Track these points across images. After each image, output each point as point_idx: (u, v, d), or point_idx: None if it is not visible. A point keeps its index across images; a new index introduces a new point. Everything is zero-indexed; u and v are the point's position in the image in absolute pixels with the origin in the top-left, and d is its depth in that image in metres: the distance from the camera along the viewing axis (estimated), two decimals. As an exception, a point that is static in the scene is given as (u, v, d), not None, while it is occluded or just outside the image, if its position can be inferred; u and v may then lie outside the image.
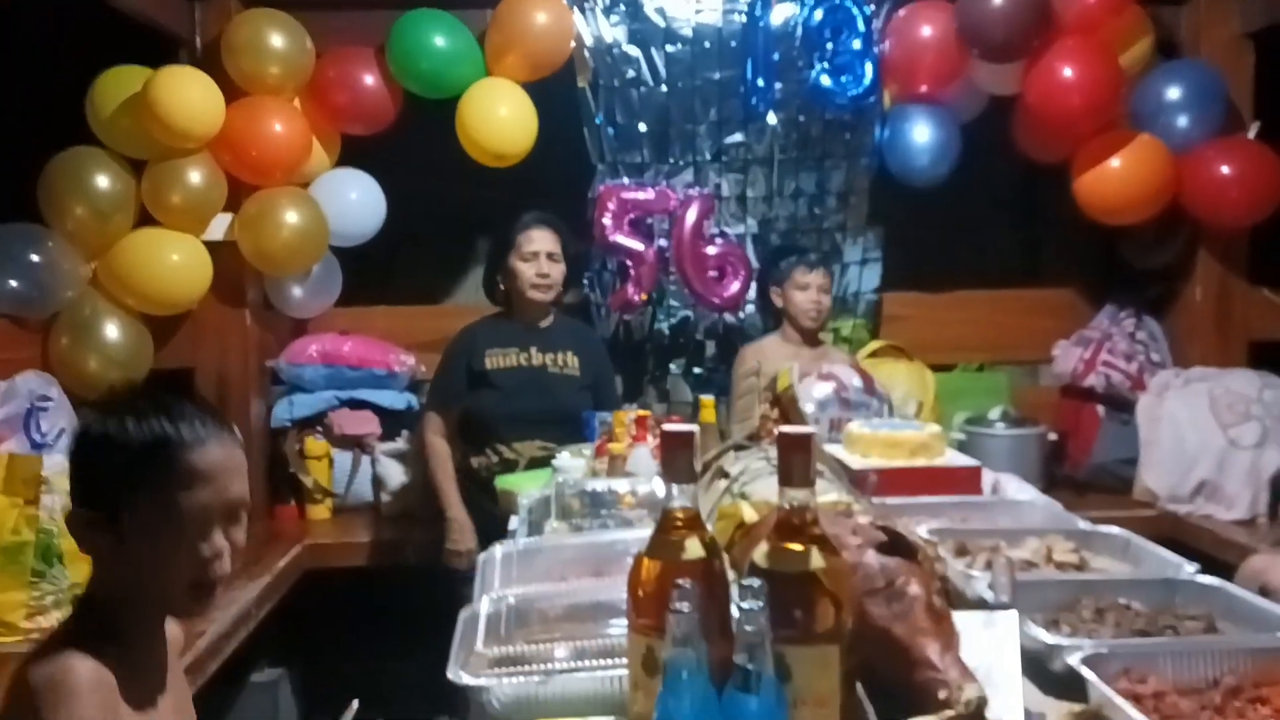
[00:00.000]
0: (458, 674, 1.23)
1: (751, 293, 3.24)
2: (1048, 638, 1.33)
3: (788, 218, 3.32)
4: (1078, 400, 3.38)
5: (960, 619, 1.33)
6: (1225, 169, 3.02)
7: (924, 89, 3.16)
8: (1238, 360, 3.29)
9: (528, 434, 2.70)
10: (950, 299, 3.67)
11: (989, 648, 1.27)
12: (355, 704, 1.19)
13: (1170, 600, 1.53)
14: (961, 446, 3.31)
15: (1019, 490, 2.20)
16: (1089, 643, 1.31)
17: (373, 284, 3.54)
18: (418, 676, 2.08)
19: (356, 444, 3.31)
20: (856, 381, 2.53)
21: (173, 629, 1.30)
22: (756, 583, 1.01)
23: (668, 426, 1.14)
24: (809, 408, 2.44)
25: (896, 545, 1.27)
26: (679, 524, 1.13)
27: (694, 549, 1.11)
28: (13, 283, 2.72)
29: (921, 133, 3.14)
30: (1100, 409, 3.32)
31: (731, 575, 1.17)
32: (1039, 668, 1.33)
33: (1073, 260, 3.74)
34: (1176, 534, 3.02)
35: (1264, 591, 2.22)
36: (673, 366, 3.37)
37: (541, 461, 2.60)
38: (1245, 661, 1.29)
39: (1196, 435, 3.03)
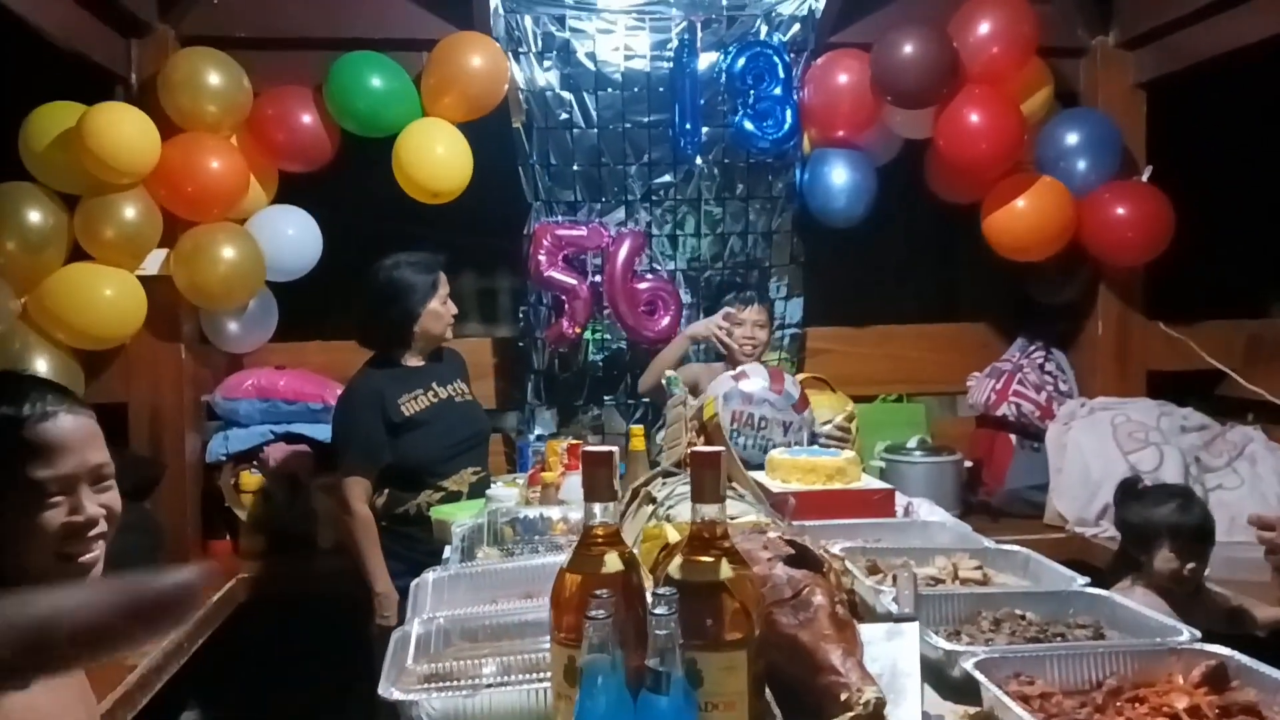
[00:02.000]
0: (389, 690, 1.28)
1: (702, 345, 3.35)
2: (946, 645, 1.43)
3: (715, 255, 3.45)
4: (991, 429, 3.55)
5: (866, 630, 1.43)
6: (1121, 210, 3.23)
7: (841, 133, 3.33)
8: (1137, 390, 3.49)
9: (461, 464, 2.72)
10: (871, 333, 3.83)
11: (892, 656, 1.37)
12: None
13: (1063, 611, 1.64)
14: (881, 474, 3.45)
15: (930, 513, 2.32)
16: (983, 649, 1.41)
17: (310, 319, 3.57)
18: (352, 705, 2.11)
19: (291, 478, 3.32)
20: (763, 380, 2.64)
21: None
22: (669, 591, 1.09)
23: (588, 448, 1.22)
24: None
25: (803, 558, 1.36)
26: (599, 539, 1.21)
27: (613, 563, 1.19)
28: (-61, 317, 2.70)
29: (839, 175, 3.30)
30: (1013, 438, 3.49)
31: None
32: (939, 674, 1.43)
33: (986, 297, 3.93)
34: (1084, 555, 3.18)
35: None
36: (607, 399, 3.45)
37: (478, 487, 2.66)
38: (1126, 664, 1.40)
39: (1100, 462, 3.20)
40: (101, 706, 2.00)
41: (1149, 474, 3.12)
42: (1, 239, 2.82)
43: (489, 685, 1.29)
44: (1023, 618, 1.58)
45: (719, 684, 1.13)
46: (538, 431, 3.40)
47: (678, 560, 1.18)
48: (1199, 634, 1.43)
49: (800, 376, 3.55)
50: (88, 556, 1.21)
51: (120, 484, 2.97)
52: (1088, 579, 1.72)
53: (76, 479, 1.20)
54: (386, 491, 2.70)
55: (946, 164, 3.25)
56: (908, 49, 3.00)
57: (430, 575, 1.77)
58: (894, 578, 1.69)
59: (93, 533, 1.20)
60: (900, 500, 2.36)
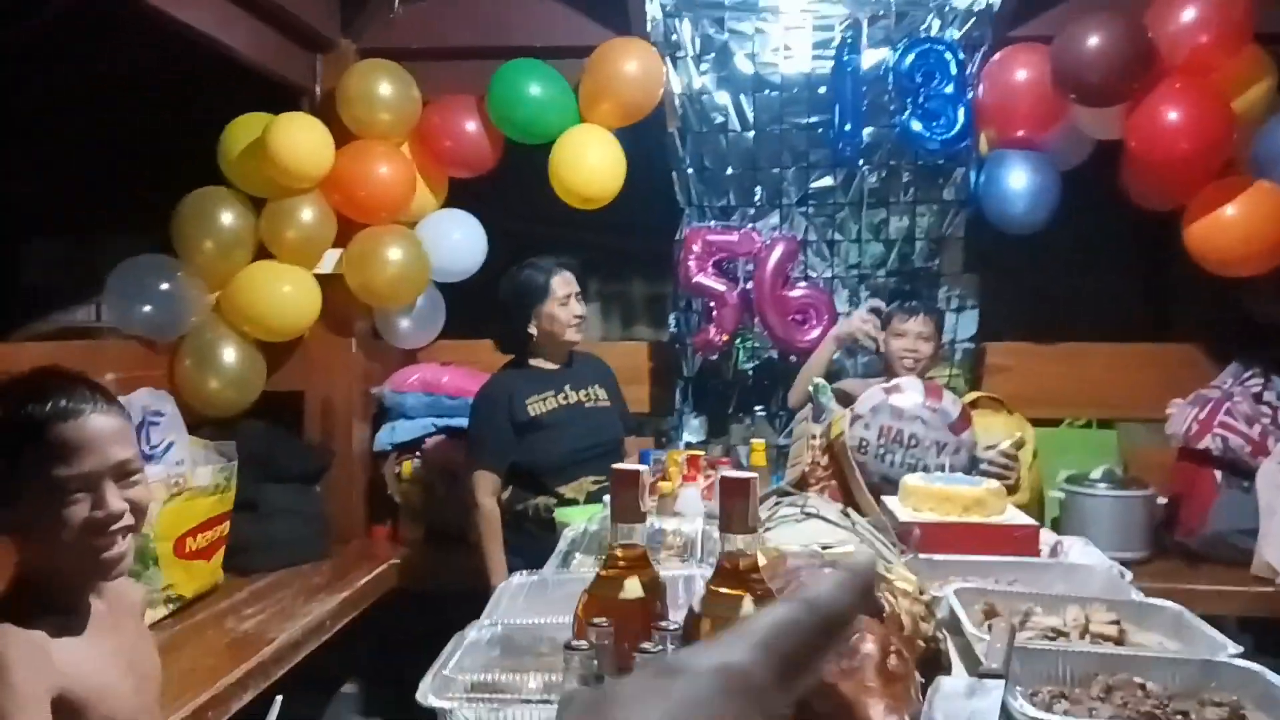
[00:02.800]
0: (426, 696, 1.27)
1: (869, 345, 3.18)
2: (1032, 711, 1.26)
3: (877, 262, 3.27)
4: (1194, 464, 3.15)
5: (949, 683, 1.29)
6: (1357, 219, 2.78)
7: (1021, 134, 3.06)
8: (1376, 427, 3.00)
9: (579, 472, 2.68)
10: (1059, 350, 3.51)
11: (968, 715, 1.22)
12: (279, 699, 1.25)
13: (1203, 684, 1.41)
14: (1061, 506, 3.16)
15: (1083, 554, 2.08)
16: (1071, 720, 1.23)
17: (477, 318, 3.69)
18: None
19: (449, 470, 3.44)
20: (918, 394, 2.43)
21: (129, 590, 1.43)
22: (672, 626, 1.02)
23: (616, 466, 1.16)
24: (862, 414, 2.39)
25: (862, 601, 1.24)
26: (621, 563, 1.15)
27: (632, 589, 1.13)
28: (145, 308, 2.98)
29: (1018, 178, 3.04)
30: (1218, 474, 3.09)
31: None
32: (1025, 743, 1.26)
33: (1201, 316, 3.51)
34: (1294, 614, 2.78)
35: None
36: (758, 409, 3.36)
37: (597, 495, 2.61)
38: (1257, 755, 1.19)
39: (1322, 508, 2.77)
40: (234, 675, 2.15)
41: (1380, 526, 2.68)
42: (199, 239, 3.10)
43: (517, 700, 1.26)
44: (1142, 687, 1.37)
45: (733, 730, 1.04)
46: (686, 439, 3.35)
47: (698, 593, 1.10)
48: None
49: (970, 396, 3.32)
50: (112, 551, 1.26)
51: (294, 469, 3.20)
52: (1240, 648, 1.47)
53: (99, 476, 1.24)
54: (510, 488, 2.73)
55: (1141, 166, 2.92)
56: (1091, 40, 2.72)
57: (516, 579, 1.77)
58: (989, 627, 1.52)
59: (116, 527, 1.25)
60: (1048, 538, 2.13)
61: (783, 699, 0.36)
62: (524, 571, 1.81)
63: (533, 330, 2.75)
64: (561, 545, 2.08)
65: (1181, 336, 3.52)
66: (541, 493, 2.69)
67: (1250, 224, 2.83)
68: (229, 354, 3.13)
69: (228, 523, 2.72)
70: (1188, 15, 2.74)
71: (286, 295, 3.15)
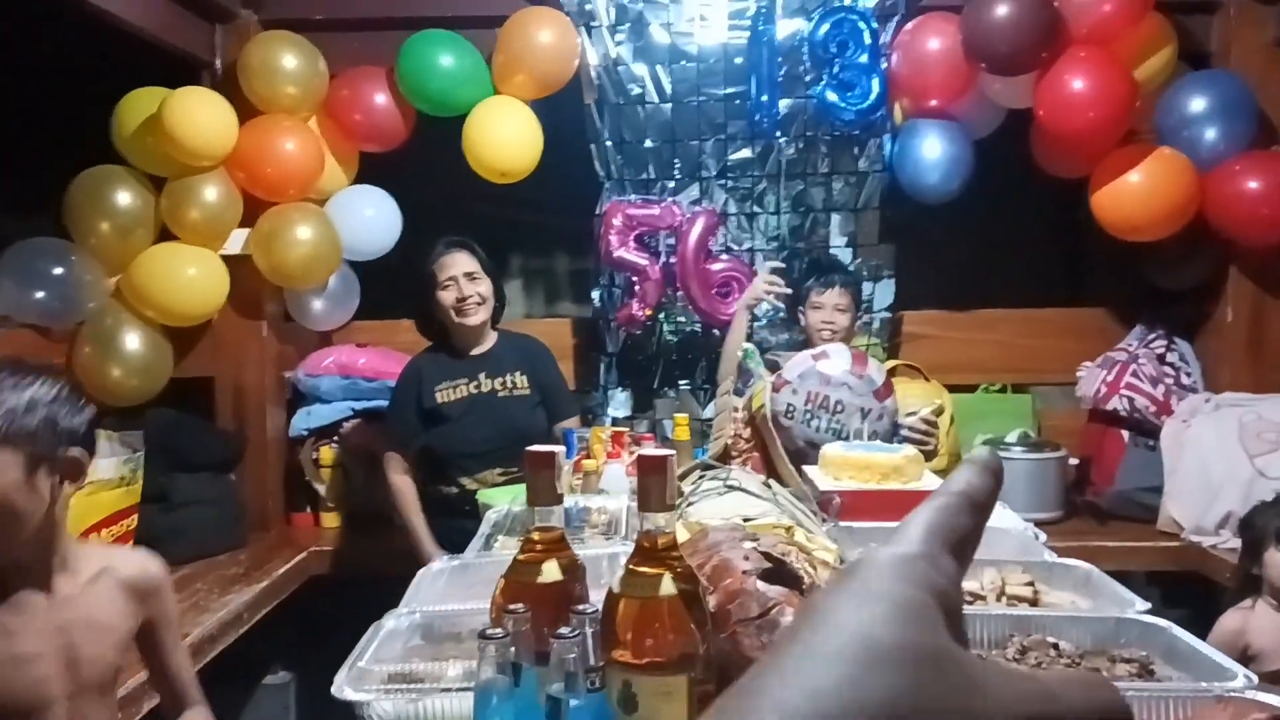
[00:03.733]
0: (341, 689, 1.24)
1: (761, 309, 3.19)
2: (949, 674, 1.27)
3: (794, 234, 3.28)
4: (1102, 425, 3.26)
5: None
6: (1255, 183, 2.88)
7: (934, 103, 3.09)
8: (1272, 384, 3.12)
9: (486, 463, 2.67)
10: (973, 318, 3.58)
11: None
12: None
13: (1112, 640, 1.45)
14: (978, 469, 3.23)
15: (998, 517, 2.12)
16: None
17: (394, 298, 3.61)
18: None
19: (368, 454, 3.37)
20: (845, 361, 2.45)
21: (121, 566, 1.55)
22: (589, 609, 1.00)
23: (530, 449, 1.13)
24: (790, 380, 2.40)
25: (782, 574, 1.24)
26: (538, 546, 1.13)
27: (550, 572, 1.11)
28: (39, 294, 2.84)
29: (932, 148, 3.07)
30: (1125, 434, 3.19)
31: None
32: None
33: (1108, 281, 3.60)
34: (1200, 567, 2.89)
35: (1245, 657, 2.12)
36: (682, 383, 3.35)
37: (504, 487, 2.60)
38: (1161, 712, 1.22)
39: (1223, 464, 2.89)
40: (146, 673, 2.06)
41: (1277, 479, 2.80)
42: (95, 220, 2.95)
43: (442, 689, 1.23)
44: (1054, 646, 1.40)
45: (655, 710, 1.03)
46: (611, 414, 3.33)
47: (618, 573, 1.08)
48: (1255, 679, 1.23)
49: (890, 364, 3.37)
50: None
51: (206, 457, 3.10)
52: (1148, 605, 1.52)
53: None
54: (424, 472, 2.74)
55: (1049, 135, 2.97)
56: (1000, 10, 2.75)
57: (436, 564, 1.73)
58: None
59: None
60: (964, 502, 2.16)
61: (959, 583, 0.37)
62: (445, 556, 1.78)
63: (440, 316, 2.75)
64: (484, 528, 2.05)
65: (1093, 302, 3.62)
66: (446, 483, 2.71)
67: (1153, 189, 2.91)
68: (132, 340, 3.00)
69: (135, 515, 2.62)
70: (1092, -15, 2.79)
71: (192, 278, 3.03)
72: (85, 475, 1.52)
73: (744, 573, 1.23)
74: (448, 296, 2.69)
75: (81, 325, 2.96)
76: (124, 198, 2.96)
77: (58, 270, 2.85)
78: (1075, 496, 3.25)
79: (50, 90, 3.36)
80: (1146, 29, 2.89)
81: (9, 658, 1.42)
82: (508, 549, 1.88)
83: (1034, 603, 1.64)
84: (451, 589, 1.63)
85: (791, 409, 2.40)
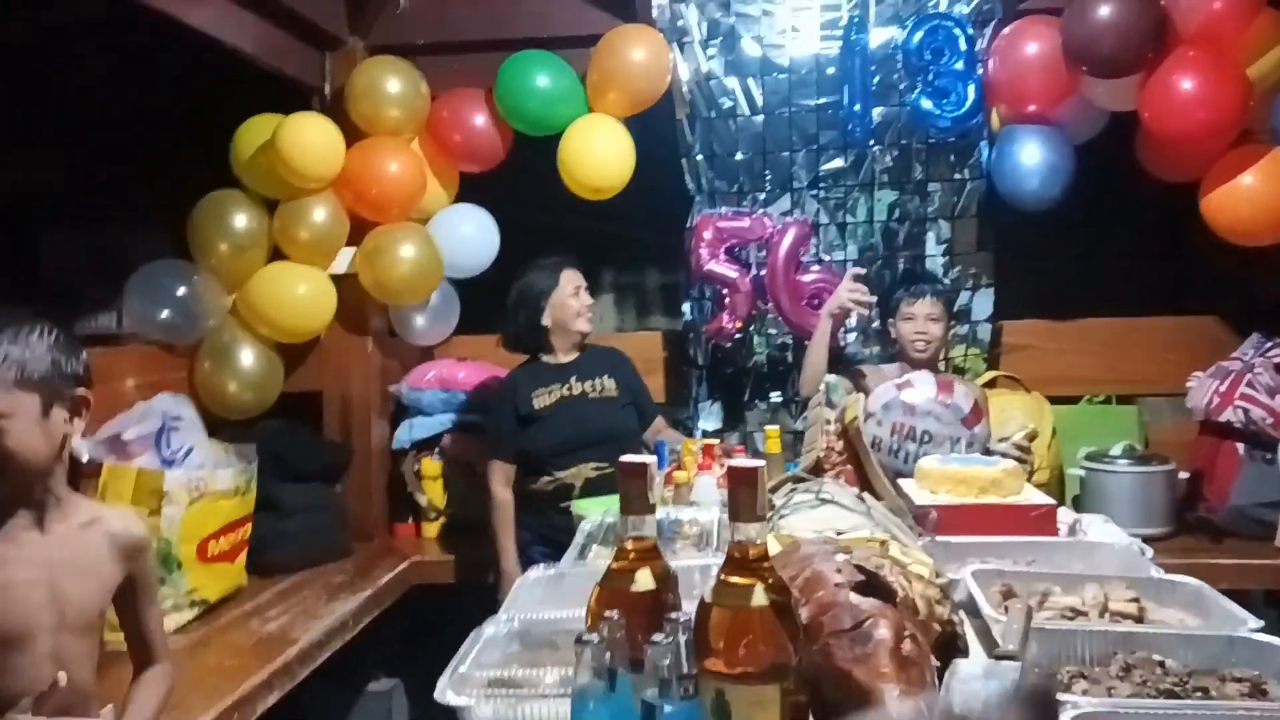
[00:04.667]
0: (444, 693, 1.28)
1: (852, 320, 3.16)
2: (1049, 692, 1.25)
3: (889, 244, 3.25)
4: (1216, 437, 3.11)
5: (966, 666, 1.28)
6: (1379, 185, 2.73)
7: (1033, 109, 3.03)
8: (1403, 395, 2.95)
9: (580, 458, 2.81)
10: (1076, 327, 3.48)
11: (985, 698, 1.22)
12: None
13: (1223, 660, 1.40)
14: (1081, 484, 3.14)
15: (1101, 532, 2.06)
16: (1091, 702, 1.22)
17: (493, 313, 3.69)
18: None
19: (468, 465, 3.46)
20: (929, 389, 2.42)
21: (115, 522, 1.65)
22: (683, 617, 1.02)
23: (624, 459, 1.16)
24: (874, 411, 2.38)
25: (874, 586, 1.24)
26: (631, 555, 1.15)
27: (644, 581, 1.13)
28: (164, 313, 3.01)
29: (1031, 154, 3.01)
30: (1240, 447, 3.05)
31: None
32: (1045, 724, 1.25)
33: (1219, 288, 3.46)
34: (1321, 587, 2.75)
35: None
36: (773, 395, 3.35)
37: (597, 482, 2.72)
38: (1277, 732, 1.18)
39: (1349, 478, 2.73)
40: (259, 677, 2.17)
41: None
42: (214, 241, 3.12)
43: (534, 695, 1.27)
44: (1161, 665, 1.36)
45: (747, 719, 1.05)
46: (702, 427, 3.35)
47: (712, 583, 1.10)
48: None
49: (988, 375, 3.30)
50: None
51: (314, 468, 3.24)
52: (1261, 623, 1.46)
53: None
54: (517, 476, 2.91)
55: (1155, 139, 2.88)
56: (1103, 10, 2.68)
57: (534, 573, 1.78)
58: (1005, 608, 1.51)
59: None
60: (1066, 517, 2.11)
61: None
62: (542, 565, 1.82)
63: (546, 323, 2.90)
64: (578, 538, 2.09)
65: (1200, 310, 3.48)
66: (541, 477, 2.86)
67: (1269, 192, 2.79)
68: (247, 356, 3.16)
69: (249, 525, 2.74)
70: (1200, -17, 2.70)
71: (302, 296, 3.17)
72: (89, 411, 1.62)
73: (836, 585, 1.23)
74: (575, 303, 2.91)
75: (201, 342, 3.13)
76: (241, 220, 3.13)
77: (181, 290, 3.02)
78: (1186, 512, 3.12)
79: (173, 117, 3.56)
80: (1260, 27, 2.78)
81: (2, 583, 1.51)
82: (601, 558, 1.91)
83: (1139, 620, 1.59)
84: (548, 596, 1.67)
85: (878, 441, 2.38)
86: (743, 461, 1.10)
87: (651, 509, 1.16)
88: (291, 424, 3.23)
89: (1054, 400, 3.28)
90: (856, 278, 2.87)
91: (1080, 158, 3.09)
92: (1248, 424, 3.00)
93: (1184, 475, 3.09)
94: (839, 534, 1.67)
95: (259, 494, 2.82)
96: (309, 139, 3.00)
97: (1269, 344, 3.17)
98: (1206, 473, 3.13)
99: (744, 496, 1.08)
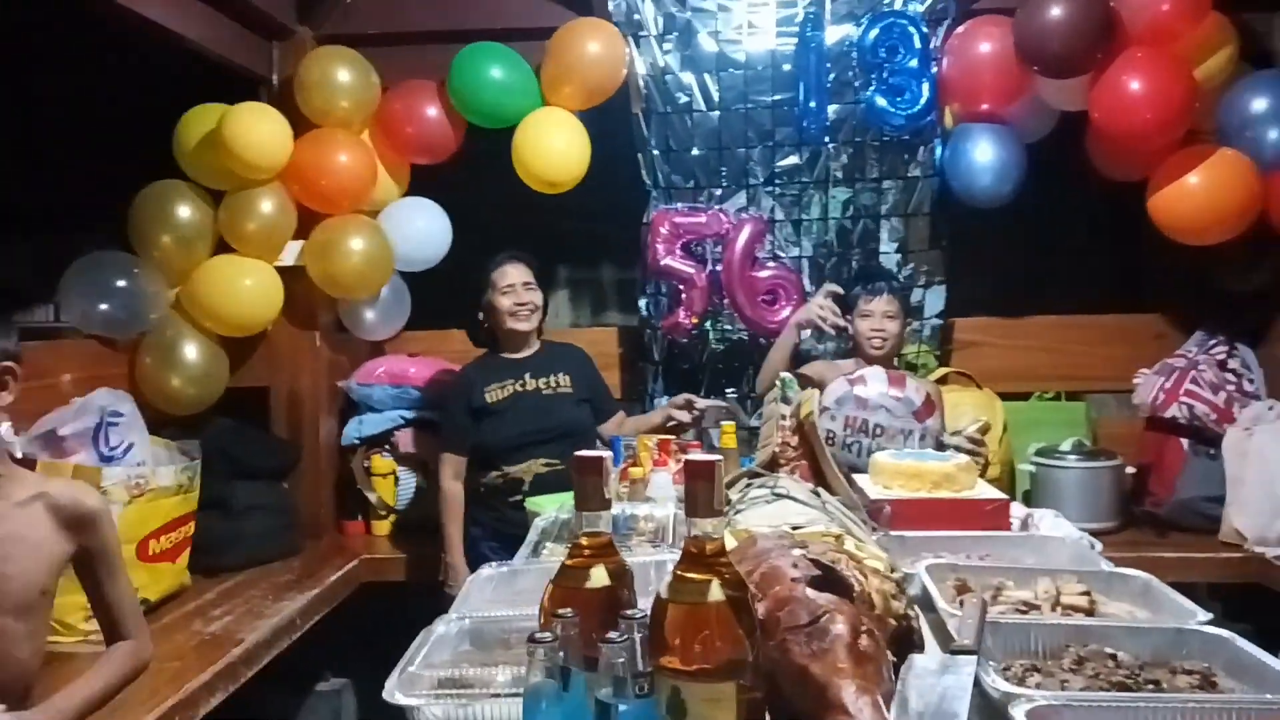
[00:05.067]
0: (392, 693, 1.25)
1: (813, 331, 3.15)
2: (1003, 686, 1.25)
3: (843, 241, 3.26)
4: (1161, 433, 3.18)
5: (921, 660, 1.28)
6: (1320, 186, 2.80)
7: (986, 107, 3.06)
8: (1341, 393, 3.03)
9: (530, 453, 2.80)
10: (1026, 324, 3.53)
11: (941, 692, 1.21)
12: None
13: (1174, 652, 1.41)
14: (1032, 479, 3.18)
15: (1053, 527, 2.08)
16: (1044, 695, 1.22)
17: (445, 307, 3.65)
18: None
19: (420, 463, 3.41)
20: (881, 384, 2.45)
21: (57, 492, 1.62)
22: (637, 614, 1.00)
23: (579, 453, 1.14)
24: (828, 405, 2.38)
25: (831, 581, 1.23)
26: (586, 551, 1.13)
27: (598, 577, 1.11)
28: (103, 306, 2.91)
29: (984, 152, 3.04)
30: (1185, 443, 3.11)
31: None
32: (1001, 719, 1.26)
33: (1169, 284, 3.52)
34: (1264, 579, 2.81)
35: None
36: (729, 391, 3.34)
37: (548, 478, 2.70)
38: (1224, 722, 1.19)
39: (1288, 473, 2.80)
40: (202, 678, 2.12)
41: (1347, 490, 2.71)
42: (157, 232, 3.03)
43: (491, 695, 1.24)
44: (1113, 657, 1.37)
45: (704, 717, 1.03)
46: (658, 423, 3.33)
47: (666, 578, 1.08)
48: (1325, 694, 1.19)
49: (941, 371, 3.33)
50: None
51: (262, 465, 3.18)
52: (1210, 615, 1.47)
53: None
54: (468, 469, 2.89)
55: (1104, 137, 2.92)
56: (1054, 11, 2.70)
57: (486, 570, 1.74)
58: (960, 603, 1.51)
59: None
60: (1018, 512, 2.13)
61: None
62: (494, 563, 1.79)
63: (485, 322, 2.92)
64: (532, 535, 2.06)
65: (1148, 307, 3.54)
66: (492, 472, 2.84)
67: (1214, 192, 2.84)
68: (190, 351, 3.08)
69: (193, 523, 2.67)
70: (1148, -16, 2.74)
71: (248, 289, 3.10)
72: (19, 385, 1.59)
73: (793, 580, 1.22)
74: (505, 301, 2.86)
75: (143, 336, 3.04)
76: (184, 211, 3.04)
77: (122, 282, 2.92)
78: (1133, 506, 3.17)
79: (114, 107, 3.46)
80: (1206, 28, 2.83)
81: None
82: (556, 556, 1.89)
83: (1090, 613, 1.61)
84: (501, 595, 1.64)
85: (832, 435, 2.40)
86: (700, 456, 1.08)
87: (607, 504, 1.14)
88: (239, 421, 3.16)
89: (1004, 396, 3.31)
90: (830, 294, 2.89)
91: (1031, 155, 3.12)
92: (1192, 420, 3.06)
93: (1131, 470, 3.14)
94: (794, 528, 1.65)
95: (205, 492, 2.75)
96: (256, 129, 2.93)
97: (1212, 341, 3.24)
98: (1153, 467, 3.19)
99: (701, 491, 1.07)
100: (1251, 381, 3.15)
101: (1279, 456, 2.84)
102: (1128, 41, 2.78)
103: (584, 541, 1.13)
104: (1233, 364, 3.16)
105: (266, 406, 3.33)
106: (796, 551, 1.26)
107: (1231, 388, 3.09)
